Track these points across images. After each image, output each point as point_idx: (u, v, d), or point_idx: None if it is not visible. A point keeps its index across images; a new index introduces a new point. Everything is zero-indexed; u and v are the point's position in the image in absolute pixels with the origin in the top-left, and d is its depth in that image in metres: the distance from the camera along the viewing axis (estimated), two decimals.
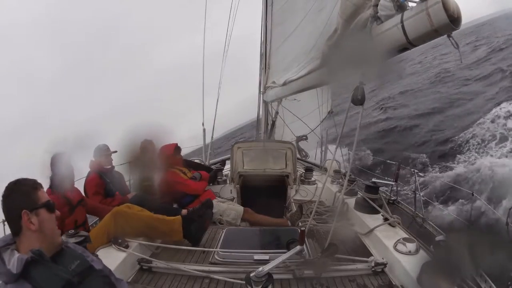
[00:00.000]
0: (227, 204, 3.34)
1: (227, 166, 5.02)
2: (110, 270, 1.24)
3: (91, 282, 1.09)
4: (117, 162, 3.23)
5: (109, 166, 3.17)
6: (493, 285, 1.72)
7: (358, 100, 1.58)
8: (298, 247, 1.67)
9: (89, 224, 2.83)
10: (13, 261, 0.94)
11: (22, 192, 1.04)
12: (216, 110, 6.11)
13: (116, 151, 3.18)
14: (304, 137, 5.88)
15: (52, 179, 2.39)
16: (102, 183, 3.03)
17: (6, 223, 1.93)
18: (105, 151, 3.13)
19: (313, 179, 4.24)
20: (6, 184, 1.05)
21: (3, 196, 1.03)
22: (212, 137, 6.12)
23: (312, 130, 6.11)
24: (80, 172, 2.80)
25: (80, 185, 2.85)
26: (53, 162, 2.40)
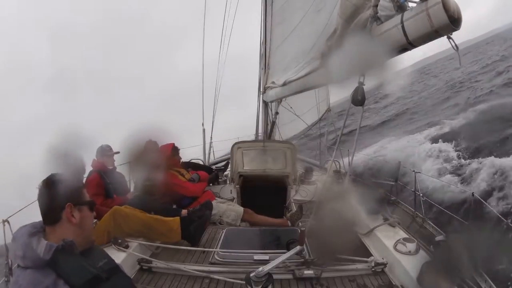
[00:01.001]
0: (226, 205, 3.33)
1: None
2: (130, 277, 1.25)
3: (117, 281, 1.10)
4: (119, 162, 3.23)
5: (111, 167, 3.17)
6: (493, 285, 1.72)
7: (358, 101, 1.57)
8: (298, 247, 1.67)
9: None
10: (41, 247, 0.93)
11: (71, 185, 1.07)
12: (215, 109, 6.12)
13: (118, 152, 3.16)
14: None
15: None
16: (103, 183, 3.02)
17: (6, 222, 1.94)
18: (107, 152, 3.13)
19: (313, 179, 4.24)
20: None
21: (49, 184, 1.03)
22: (211, 137, 6.12)
23: (310, 127, 6.10)
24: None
25: None
26: (66, 159, 2.38)
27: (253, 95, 6.13)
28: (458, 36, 1.21)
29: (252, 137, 6.66)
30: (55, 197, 1.02)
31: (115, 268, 1.13)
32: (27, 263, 0.93)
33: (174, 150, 3.45)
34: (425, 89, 23.53)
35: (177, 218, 2.47)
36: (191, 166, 3.99)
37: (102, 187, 3.01)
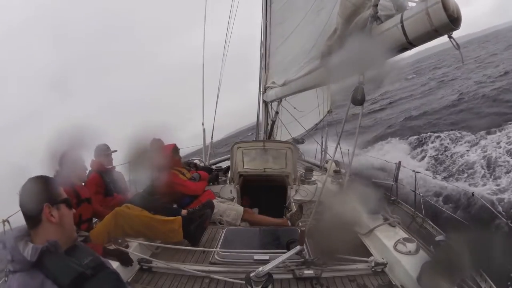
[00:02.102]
0: (227, 204, 3.34)
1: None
2: (117, 272, 1.25)
3: (103, 277, 1.11)
4: (121, 161, 3.22)
5: (110, 166, 3.16)
6: (493, 285, 1.72)
7: (358, 100, 1.57)
8: (298, 247, 1.67)
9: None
10: (28, 249, 0.97)
11: (44, 186, 1.08)
12: (216, 109, 6.11)
13: (116, 151, 3.15)
14: (301, 141, 5.84)
15: (57, 174, 2.31)
16: (103, 182, 3.02)
17: (6, 223, 1.95)
18: (105, 151, 3.11)
19: (313, 179, 4.23)
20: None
21: (25, 190, 1.06)
22: (212, 137, 6.11)
23: (307, 131, 6.09)
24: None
25: None
26: (63, 158, 2.37)
27: (253, 92, 6.12)
28: (459, 31, 1.20)
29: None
30: (32, 201, 1.04)
31: (101, 265, 1.14)
32: (16, 267, 0.96)
33: (174, 150, 3.46)
34: None
35: (179, 218, 2.47)
36: (191, 165, 4.00)
37: (102, 186, 3.01)
